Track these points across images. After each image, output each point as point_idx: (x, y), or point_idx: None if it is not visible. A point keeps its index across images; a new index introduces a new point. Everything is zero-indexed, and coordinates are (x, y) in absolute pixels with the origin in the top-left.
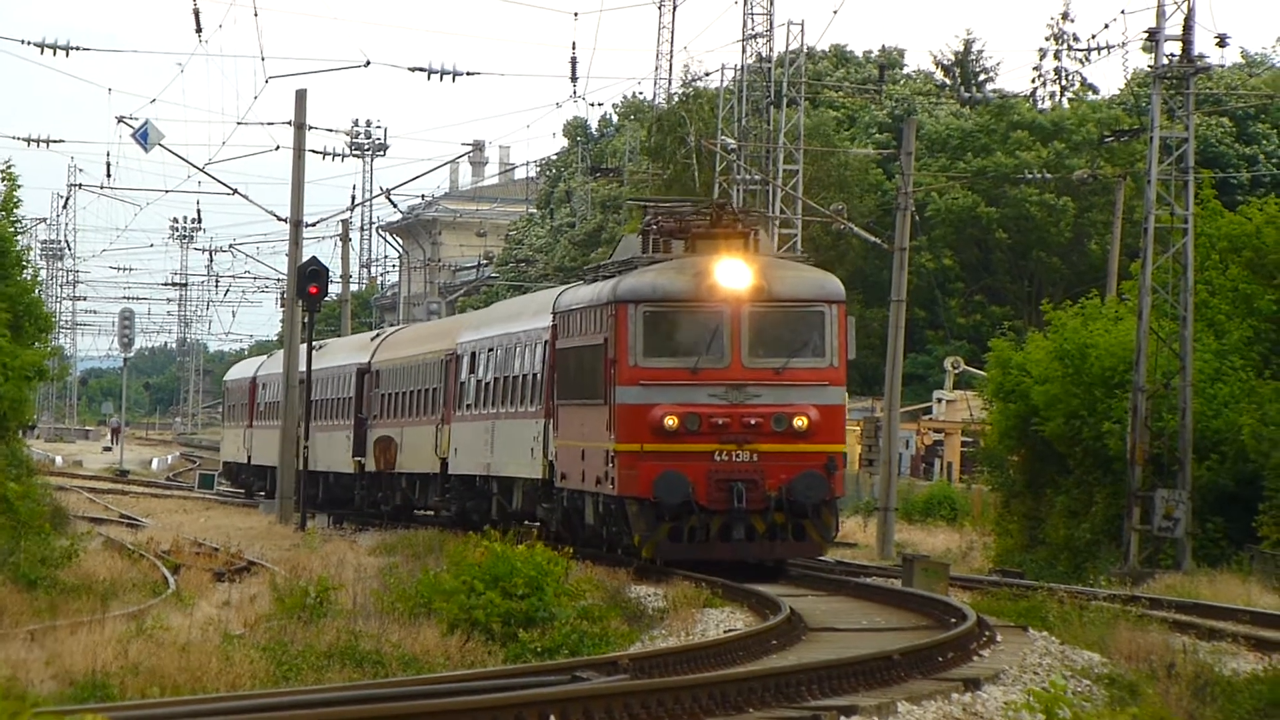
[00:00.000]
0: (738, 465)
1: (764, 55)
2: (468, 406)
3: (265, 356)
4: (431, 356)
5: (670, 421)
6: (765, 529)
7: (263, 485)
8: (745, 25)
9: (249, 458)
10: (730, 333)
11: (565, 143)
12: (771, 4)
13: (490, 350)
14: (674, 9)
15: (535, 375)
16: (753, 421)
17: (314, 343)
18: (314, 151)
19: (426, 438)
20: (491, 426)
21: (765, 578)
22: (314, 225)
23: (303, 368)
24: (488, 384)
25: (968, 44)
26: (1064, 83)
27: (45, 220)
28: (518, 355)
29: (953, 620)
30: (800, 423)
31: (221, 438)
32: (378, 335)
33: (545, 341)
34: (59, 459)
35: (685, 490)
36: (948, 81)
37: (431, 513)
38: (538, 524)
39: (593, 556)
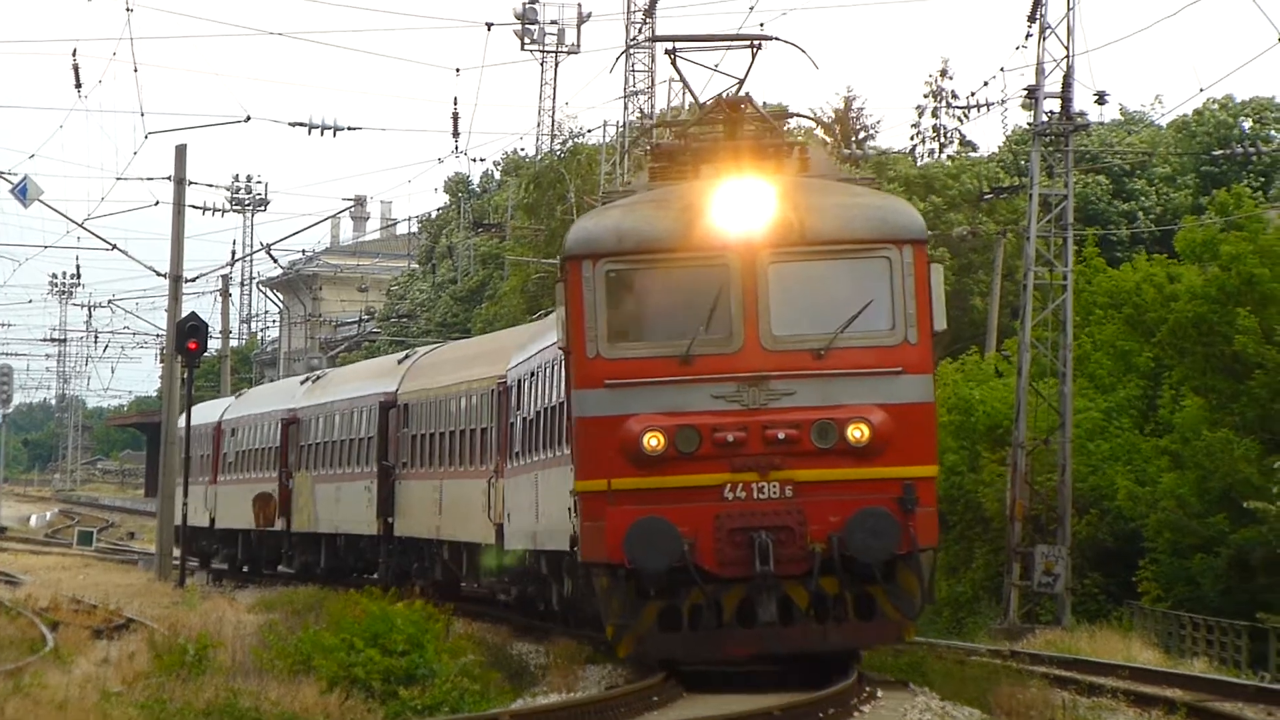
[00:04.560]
0: (761, 505)
1: (646, 112)
2: (516, 455)
3: (233, 398)
4: (479, 386)
5: (653, 441)
6: (809, 603)
7: (231, 551)
8: (627, 82)
9: (211, 520)
10: (742, 297)
11: (447, 198)
12: (653, 60)
13: (531, 375)
14: (555, 65)
15: (565, 405)
16: (782, 435)
17: (312, 373)
18: (194, 207)
19: (474, 495)
20: (535, 480)
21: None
22: (194, 281)
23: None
24: (530, 421)
25: (848, 101)
26: (942, 140)
27: None
28: (551, 379)
29: (833, 676)
30: (858, 433)
31: None
32: (408, 356)
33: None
34: None
35: (676, 548)
36: (828, 139)
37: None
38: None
39: (474, 614)
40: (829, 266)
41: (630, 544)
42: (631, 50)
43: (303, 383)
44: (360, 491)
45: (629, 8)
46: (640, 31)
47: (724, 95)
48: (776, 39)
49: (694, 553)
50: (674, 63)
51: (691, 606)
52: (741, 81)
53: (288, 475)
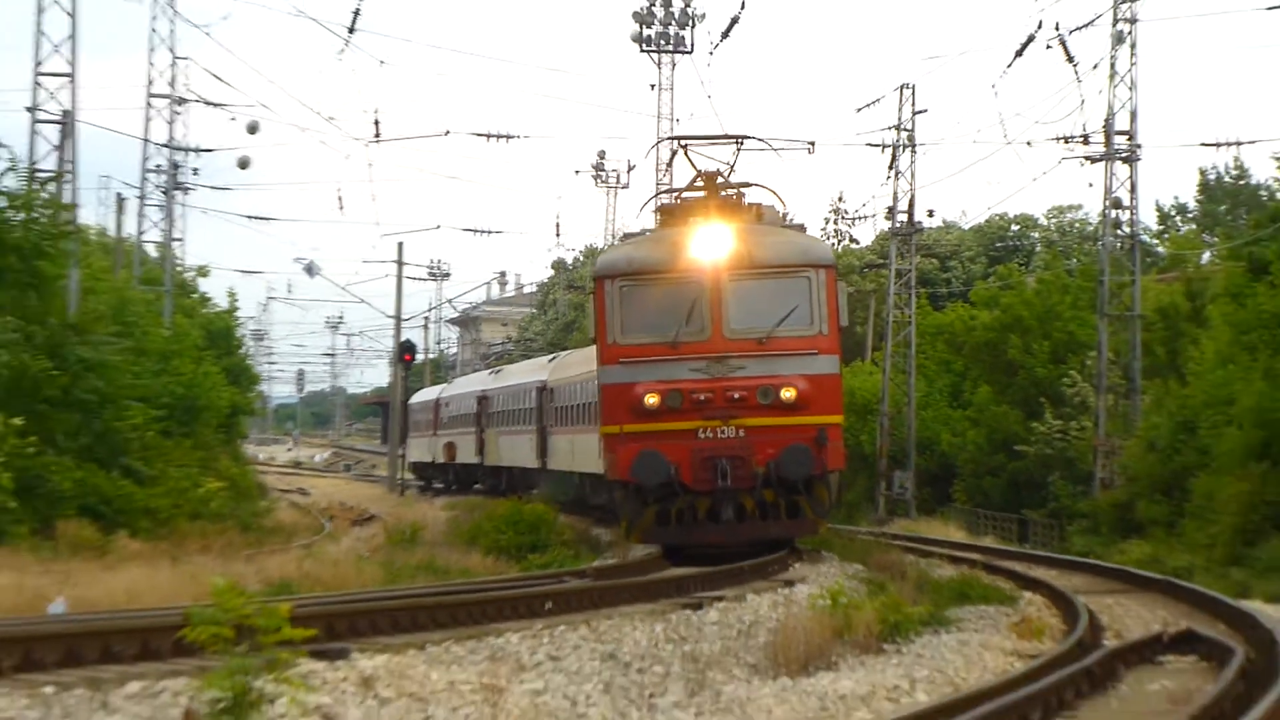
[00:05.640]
0: (723, 442)
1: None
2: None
3: (445, 385)
4: (592, 375)
5: (651, 400)
6: (755, 507)
7: (444, 478)
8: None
9: (434, 459)
10: (710, 303)
11: (553, 271)
12: (671, 182)
13: None
14: (616, 194)
15: None
16: (737, 395)
17: (495, 367)
18: (409, 277)
19: (591, 445)
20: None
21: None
22: (408, 320)
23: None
24: None
25: (783, 216)
26: (839, 238)
27: (254, 318)
28: None
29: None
30: (788, 394)
31: (408, 446)
32: (554, 358)
33: None
34: (262, 455)
35: (665, 470)
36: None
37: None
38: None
39: (572, 512)
40: (769, 283)
41: (635, 468)
42: (659, 184)
43: (489, 374)
44: (526, 441)
45: (657, 159)
46: (668, 171)
47: (701, 171)
48: (752, 137)
49: (678, 474)
50: (686, 154)
51: (677, 510)
52: (732, 167)
53: (482, 430)
